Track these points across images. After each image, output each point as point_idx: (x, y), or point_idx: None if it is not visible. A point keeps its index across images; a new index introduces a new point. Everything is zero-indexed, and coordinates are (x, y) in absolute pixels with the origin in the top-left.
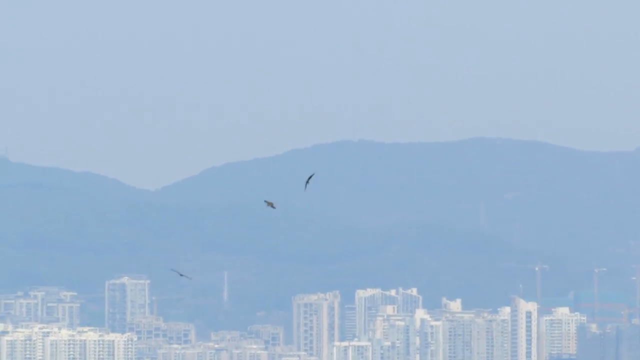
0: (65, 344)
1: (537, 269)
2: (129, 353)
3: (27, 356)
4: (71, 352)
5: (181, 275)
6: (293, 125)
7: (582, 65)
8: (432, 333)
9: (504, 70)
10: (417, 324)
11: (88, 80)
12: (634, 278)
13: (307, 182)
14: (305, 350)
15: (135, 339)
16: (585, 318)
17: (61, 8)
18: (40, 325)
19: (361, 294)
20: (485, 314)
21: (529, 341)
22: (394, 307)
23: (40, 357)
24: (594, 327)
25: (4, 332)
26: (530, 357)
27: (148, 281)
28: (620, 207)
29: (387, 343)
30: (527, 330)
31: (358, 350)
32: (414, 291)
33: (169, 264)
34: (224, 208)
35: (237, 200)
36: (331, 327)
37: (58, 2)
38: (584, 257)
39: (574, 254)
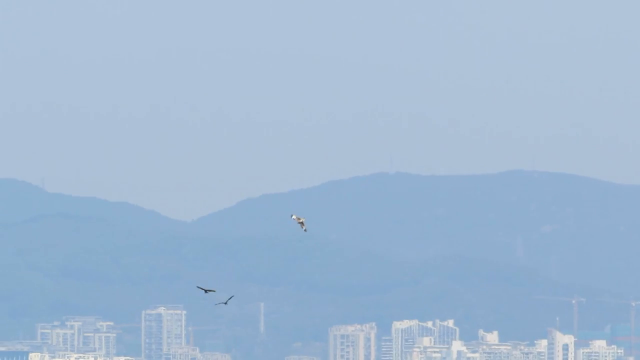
0: None
1: (574, 301)
2: None
3: None
4: None
5: (206, 291)
6: (331, 156)
7: (620, 99)
8: None
9: (541, 102)
10: (454, 355)
11: (127, 111)
12: None
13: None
14: None
15: None
16: (622, 351)
17: (92, 22)
18: (76, 355)
19: (398, 325)
20: (522, 346)
21: None
22: (430, 339)
23: None
24: None
25: None
26: None
27: (184, 311)
28: None
29: None
30: None
31: None
32: (450, 323)
33: (205, 295)
34: (261, 239)
35: (274, 231)
36: (367, 358)
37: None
38: (621, 290)
39: (611, 287)
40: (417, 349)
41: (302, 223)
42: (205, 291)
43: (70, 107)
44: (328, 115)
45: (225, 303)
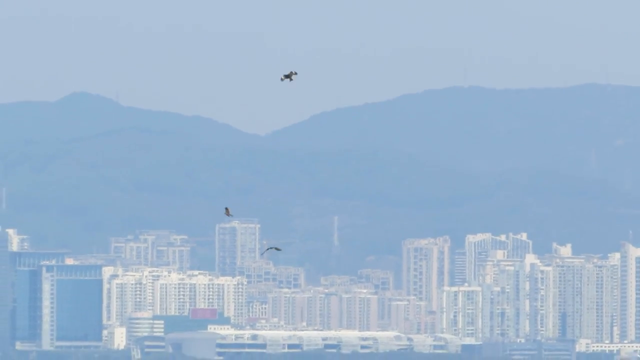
0: (175, 288)
1: None
2: (239, 297)
3: (137, 299)
4: (181, 296)
5: (270, 249)
6: (404, 70)
7: None
8: (542, 278)
9: (615, 16)
10: (527, 268)
11: (201, 24)
12: None
13: (270, 248)
14: (415, 295)
15: (245, 282)
16: None
17: None
18: (150, 269)
19: (471, 238)
20: (595, 260)
21: (639, 287)
22: (504, 252)
23: (150, 301)
24: None
25: (114, 276)
26: None
27: (258, 225)
28: None
29: (497, 288)
30: (637, 276)
31: (468, 295)
32: (524, 236)
33: (279, 209)
34: (335, 153)
35: (348, 145)
36: (441, 271)
37: None
38: None
39: None
40: (491, 262)
41: (290, 76)
42: (269, 249)
43: (144, 21)
44: (401, 29)
45: (278, 249)
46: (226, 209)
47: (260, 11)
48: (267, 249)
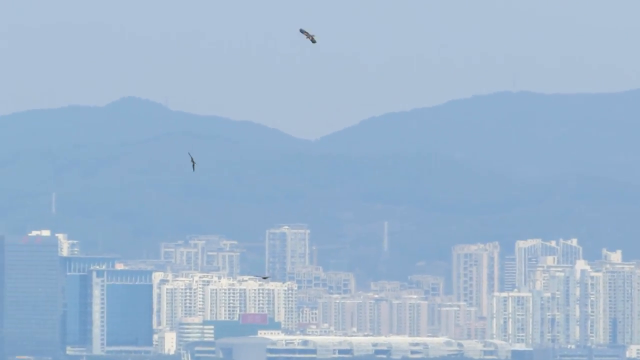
0: (225, 293)
1: None
2: (289, 302)
3: (187, 304)
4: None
5: (264, 277)
6: (453, 75)
7: None
8: (592, 284)
9: None
10: (577, 274)
11: (252, 30)
12: None
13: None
14: (465, 301)
15: (295, 288)
16: None
17: None
18: (200, 274)
19: (521, 244)
20: None
21: None
22: (554, 258)
23: (200, 306)
24: None
25: (165, 281)
26: None
27: (308, 230)
28: None
29: (547, 294)
30: None
31: (518, 300)
32: (574, 242)
33: (329, 214)
34: (384, 158)
35: (397, 150)
36: (491, 277)
37: None
38: None
39: None
40: (540, 268)
41: (310, 37)
42: (264, 278)
43: (195, 26)
44: (451, 34)
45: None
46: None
47: (311, 16)
48: (263, 277)
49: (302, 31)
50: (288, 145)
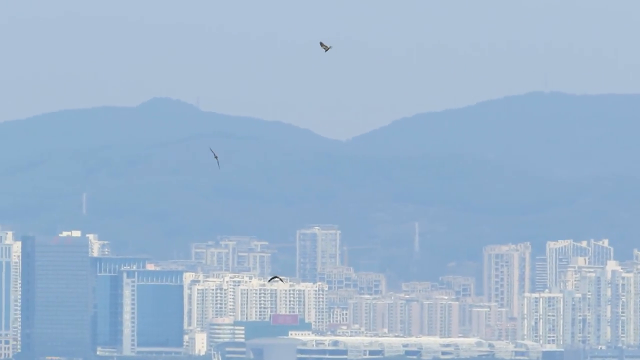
0: (256, 293)
1: None
2: (320, 303)
3: (218, 305)
4: (262, 302)
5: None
6: (485, 76)
7: None
8: (623, 285)
9: None
10: (609, 275)
11: (282, 30)
12: None
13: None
14: (496, 301)
15: (326, 288)
16: None
17: None
18: (231, 274)
19: (552, 245)
20: None
21: None
22: (585, 259)
23: (231, 306)
24: None
25: (195, 281)
26: None
27: (339, 231)
28: None
29: (578, 295)
30: None
31: (549, 301)
32: (605, 243)
33: (360, 214)
34: (415, 158)
35: (429, 151)
36: (522, 278)
37: None
38: None
39: None
40: (572, 269)
41: (325, 47)
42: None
43: (225, 27)
44: (481, 34)
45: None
46: (279, 279)
47: (341, 16)
48: (272, 278)
49: (322, 44)
50: (319, 146)
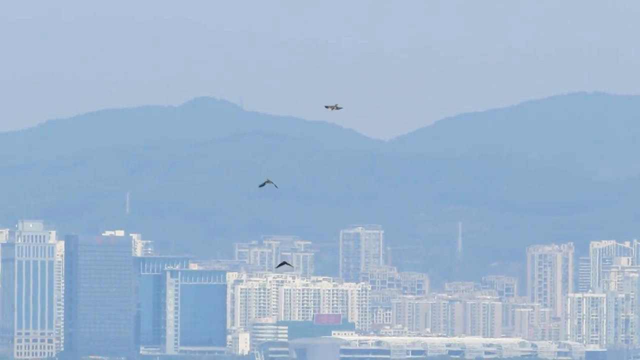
0: (299, 293)
1: None
2: (363, 302)
3: (261, 305)
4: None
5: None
6: (528, 76)
7: None
8: None
9: None
10: None
11: (327, 32)
12: None
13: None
14: (539, 302)
15: (369, 288)
16: None
17: None
18: (274, 274)
19: (595, 245)
20: None
21: None
22: (628, 259)
23: (274, 306)
24: None
25: (239, 281)
26: None
27: (382, 231)
28: None
29: (622, 295)
30: None
31: (592, 301)
32: None
33: (403, 214)
34: (459, 159)
35: (472, 151)
36: (565, 278)
37: None
38: None
39: None
40: (615, 269)
41: (335, 107)
42: (283, 264)
43: (270, 28)
44: (527, 35)
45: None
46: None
47: (384, 19)
48: (281, 264)
49: (327, 107)
50: (362, 146)
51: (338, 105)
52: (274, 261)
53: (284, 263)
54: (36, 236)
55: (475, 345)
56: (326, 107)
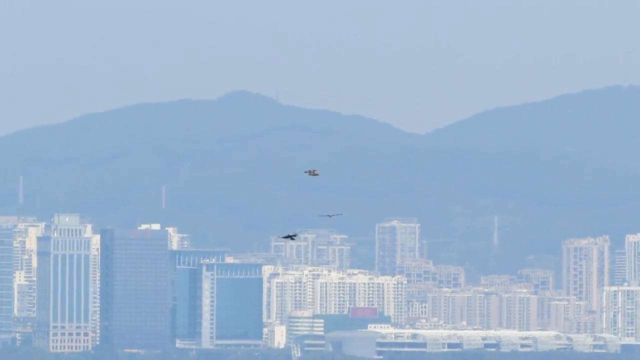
0: (335, 287)
1: None
2: (399, 296)
3: (297, 298)
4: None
5: (291, 237)
6: (563, 70)
7: None
8: None
9: None
10: None
11: (360, 27)
12: None
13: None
14: (575, 295)
15: (405, 282)
16: None
17: None
18: (310, 268)
19: (631, 238)
20: None
21: None
22: None
23: (310, 299)
24: None
25: (275, 274)
26: None
27: (418, 224)
28: None
29: None
30: None
31: (628, 294)
32: None
33: (439, 208)
34: (495, 152)
35: (508, 144)
36: (601, 271)
37: None
38: None
39: None
40: None
41: (313, 172)
42: (291, 237)
43: (304, 22)
44: (563, 29)
45: (293, 237)
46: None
47: (423, 11)
48: (288, 236)
49: (308, 172)
50: (398, 139)
51: (316, 172)
52: (310, 254)
53: (291, 236)
54: (72, 230)
55: (510, 339)
56: (305, 172)
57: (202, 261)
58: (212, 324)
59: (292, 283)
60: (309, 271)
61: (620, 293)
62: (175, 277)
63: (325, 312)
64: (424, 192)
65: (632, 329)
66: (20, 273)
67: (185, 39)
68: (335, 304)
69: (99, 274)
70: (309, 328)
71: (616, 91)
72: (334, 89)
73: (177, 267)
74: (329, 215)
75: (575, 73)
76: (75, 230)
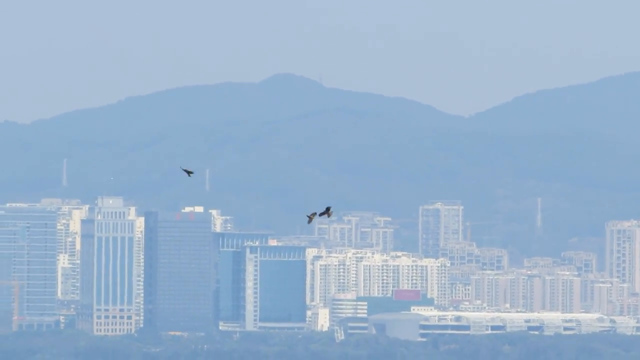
0: (378, 269)
1: None
2: (442, 278)
3: (341, 281)
4: (384, 277)
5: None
6: (607, 53)
7: None
8: None
9: None
10: None
11: (398, 14)
12: None
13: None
14: (618, 277)
15: (449, 264)
16: None
17: None
18: (353, 250)
19: None
20: None
21: None
22: None
23: (354, 282)
24: None
25: (318, 257)
26: None
27: (462, 207)
28: None
29: None
30: None
31: None
32: None
33: (483, 190)
34: (538, 135)
35: (551, 127)
36: None
37: None
38: None
39: None
40: None
41: (313, 216)
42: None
43: (344, 8)
44: (606, 10)
45: (189, 174)
46: (310, 216)
47: (464, 9)
48: (315, 215)
49: (310, 216)
50: (442, 122)
51: (312, 217)
52: (353, 237)
53: (321, 213)
54: (116, 212)
55: (554, 321)
56: (307, 216)
57: (245, 244)
58: (255, 306)
59: (335, 265)
60: (353, 254)
61: None
62: (218, 259)
63: (369, 294)
64: (468, 175)
65: None
66: (64, 256)
67: (229, 22)
68: (378, 287)
69: (143, 257)
70: (352, 311)
71: None
72: (376, 71)
73: (221, 249)
74: (320, 214)
75: (619, 55)
76: (119, 212)
